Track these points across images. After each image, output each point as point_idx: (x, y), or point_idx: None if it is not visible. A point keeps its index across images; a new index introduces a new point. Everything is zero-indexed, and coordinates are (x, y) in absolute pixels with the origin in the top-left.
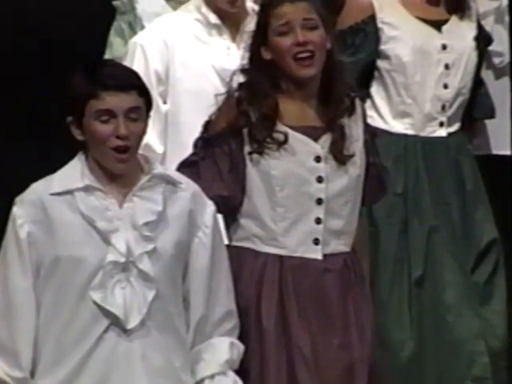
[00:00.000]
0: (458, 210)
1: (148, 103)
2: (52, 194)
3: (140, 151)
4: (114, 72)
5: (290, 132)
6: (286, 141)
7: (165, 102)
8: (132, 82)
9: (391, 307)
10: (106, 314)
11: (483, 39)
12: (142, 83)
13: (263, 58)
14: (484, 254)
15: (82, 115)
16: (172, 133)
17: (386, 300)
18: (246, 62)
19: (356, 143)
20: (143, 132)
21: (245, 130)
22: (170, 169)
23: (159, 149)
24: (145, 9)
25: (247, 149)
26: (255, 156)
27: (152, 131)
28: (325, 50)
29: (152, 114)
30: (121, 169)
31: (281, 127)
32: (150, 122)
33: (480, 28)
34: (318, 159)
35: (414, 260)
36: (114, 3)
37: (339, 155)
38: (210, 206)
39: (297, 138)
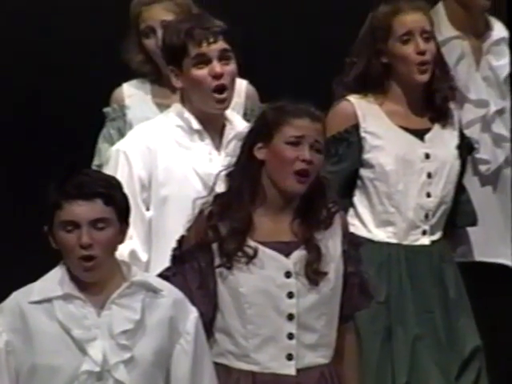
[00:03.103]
0: (442, 317)
1: (120, 210)
2: (31, 303)
3: (126, 258)
4: (79, 181)
5: (261, 248)
6: (255, 256)
7: (148, 209)
8: (96, 191)
9: None
10: None
11: (466, 147)
12: (111, 192)
13: (255, 157)
14: (467, 362)
15: (52, 224)
16: (156, 240)
17: None
18: (232, 164)
19: (331, 258)
20: (112, 240)
21: (214, 245)
22: (152, 275)
23: (143, 256)
24: (136, 114)
25: (216, 262)
26: (224, 271)
27: (136, 239)
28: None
29: (136, 221)
30: (89, 277)
31: (251, 242)
32: (134, 230)
33: (462, 136)
34: (288, 275)
35: (398, 368)
36: (104, 110)
37: (312, 275)
38: (193, 313)
39: (267, 254)
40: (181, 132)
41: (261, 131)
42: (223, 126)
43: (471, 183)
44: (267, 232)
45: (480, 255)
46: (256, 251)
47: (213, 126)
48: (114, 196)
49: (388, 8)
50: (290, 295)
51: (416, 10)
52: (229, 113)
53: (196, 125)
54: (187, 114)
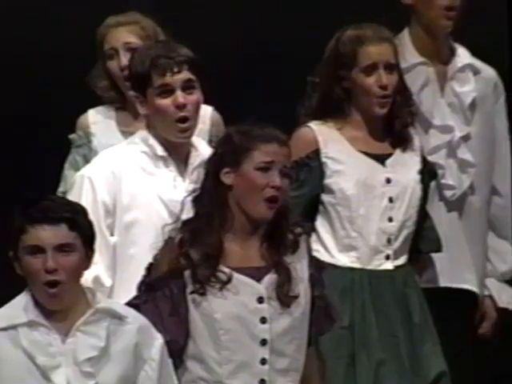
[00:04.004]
0: (406, 342)
1: (85, 236)
2: None
3: (90, 284)
4: (44, 206)
5: (233, 273)
6: (229, 281)
7: (113, 234)
8: (61, 216)
9: None
10: None
11: (428, 173)
12: (75, 217)
13: (221, 181)
14: None
15: (17, 250)
16: (120, 265)
17: None
18: (197, 189)
19: (301, 281)
20: (78, 265)
21: (186, 272)
22: (117, 302)
23: (107, 282)
24: (101, 141)
25: (190, 289)
26: (198, 298)
27: (100, 264)
28: None
29: (101, 246)
30: (53, 305)
31: (224, 268)
32: (98, 255)
33: (425, 161)
34: (260, 300)
35: None
36: (70, 136)
37: (284, 298)
38: (158, 340)
39: (240, 280)
40: (146, 158)
41: (228, 156)
42: (189, 153)
43: (437, 209)
44: (238, 258)
45: (445, 281)
46: (230, 277)
47: (178, 153)
48: (78, 221)
49: (354, 34)
50: (263, 320)
51: (382, 40)
52: (195, 139)
53: (161, 151)
54: (152, 141)
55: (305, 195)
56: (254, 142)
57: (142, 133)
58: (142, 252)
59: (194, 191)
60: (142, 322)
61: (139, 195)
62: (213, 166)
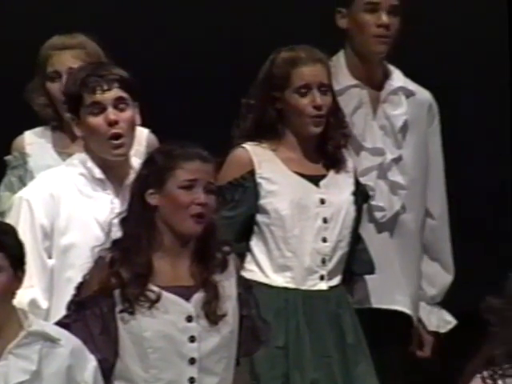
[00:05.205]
0: (339, 362)
1: (13, 257)
2: None
3: (25, 307)
4: None
5: (162, 292)
6: (157, 300)
7: (50, 257)
8: None
9: None
10: None
11: (361, 194)
12: (2, 238)
13: (147, 202)
14: None
15: None
16: (57, 288)
17: None
18: (124, 210)
19: (229, 300)
20: (6, 286)
21: (116, 291)
22: (50, 324)
23: (44, 304)
24: (37, 162)
25: (119, 308)
26: (126, 317)
27: (37, 287)
28: None
29: (38, 269)
30: None
31: (153, 287)
32: (35, 278)
33: (357, 183)
34: (189, 319)
35: None
36: (6, 158)
37: (212, 315)
38: (92, 362)
39: (169, 299)
40: (83, 180)
41: (151, 177)
42: (127, 175)
43: (367, 230)
44: (167, 277)
45: (376, 302)
46: (159, 296)
47: (116, 175)
48: (6, 242)
49: (288, 55)
50: (192, 339)
51: (315, 61)
52: (133, 160)
53: (99, 174)
54: (90, 163)
55: (239, 216)
56: (176, 161)
57: (81, 155)
58: (78, 275)
59: (120, 213)
60: (75, 344)
61: (76, 218)
62: (137, 188)
